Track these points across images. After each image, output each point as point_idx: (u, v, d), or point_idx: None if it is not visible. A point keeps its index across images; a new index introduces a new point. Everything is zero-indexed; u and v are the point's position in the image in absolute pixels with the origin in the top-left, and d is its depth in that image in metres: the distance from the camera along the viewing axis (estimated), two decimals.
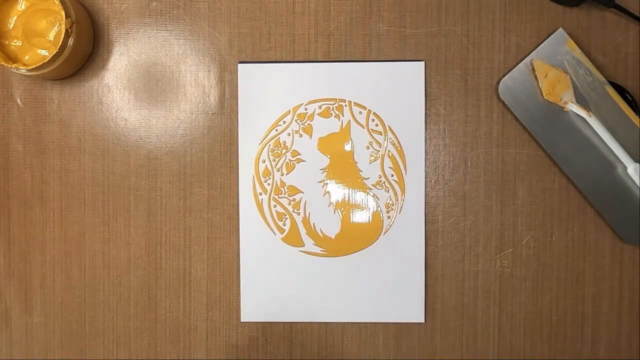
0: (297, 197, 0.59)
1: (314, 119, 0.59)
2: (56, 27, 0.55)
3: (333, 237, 0.59)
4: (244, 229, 0.60)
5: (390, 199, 0.59)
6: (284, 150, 0.59)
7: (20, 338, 0.61)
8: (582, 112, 0.57)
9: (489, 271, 0.60)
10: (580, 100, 0.57)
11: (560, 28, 0.58)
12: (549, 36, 0.58)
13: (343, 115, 0.59)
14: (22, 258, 0.61)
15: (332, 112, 0.59)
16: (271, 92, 0.59)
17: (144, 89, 0.60)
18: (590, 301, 0.59)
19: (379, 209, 0.59)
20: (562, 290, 0.60)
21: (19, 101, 0.60)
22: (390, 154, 0.59)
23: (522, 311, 0.60)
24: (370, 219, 0.59)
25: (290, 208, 0.59)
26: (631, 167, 0.57)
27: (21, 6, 0.56)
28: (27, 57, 0.56)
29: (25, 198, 0.60)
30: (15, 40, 0.56)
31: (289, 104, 0.59)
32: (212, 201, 0.60)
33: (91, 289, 0.61)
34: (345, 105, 0.59)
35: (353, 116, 0.59)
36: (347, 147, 0.59)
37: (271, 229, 0.60)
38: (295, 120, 0.59)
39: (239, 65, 0.59)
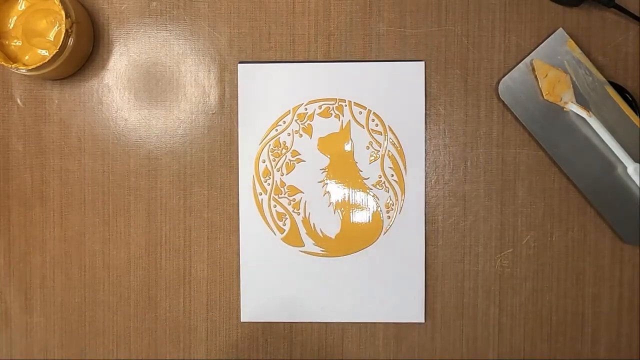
0: (297, 197, 0.59)
1: (314, 119, 0.59)
2: (56, 27, 0.55)
3: (333, 237, 0.59)
4: (244, 229, 0.60)
5: (390, 199, 0.59)
6: (284, 150, 0.59)
7: (20, 338, 0.61)
8: (582, 112, 0.57)
9: (489, 271, 0.60)
10: (580, 100, 0.57)
11: (560, 28, 0.58)
12: (549, 36, 0.58)
13: (343, 115, 0.59)
14: (22, 258, 0.61)
15: (332, 112, 0.59)
16: (271, 92, 0.59)
17: (144, 89, 0.60)
18: (590, 301, 0.59)
19: (379, 209, 0.59)
20: (562, 290, 0.60)
21: (19, 101, 0.60)
22: (390, 154, 0.59)
23: (522, 311, 0.60)
24: (370, 219, 0.59)
25: (290, 208, 0.59)
26: (631, 167, 0.57)
27: (21, 6, 0.56)
28: (27, 57, 0.56)
29: (25, 198, 0.60)
30: (15, 40, 0.56)
31: (289, 104, 0.59)
32: (212, 201, 0.60)
33: (91, 289, 0.61)
34: (345, 105, 0.59)
35: (353, 116, 0.59)
36: (347, 147, 0.59)
37: (271, 229, 0.60)
38: (295, 120, 0.59)
39: (239, 65, 0.59)
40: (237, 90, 0.59)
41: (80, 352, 0.61)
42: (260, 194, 0.59)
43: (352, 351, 0.60)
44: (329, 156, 0.59)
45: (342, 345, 0.60)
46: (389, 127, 0.59)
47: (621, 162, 0.57)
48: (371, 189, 0.59)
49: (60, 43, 0.53)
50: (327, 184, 0.59)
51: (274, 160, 0.59)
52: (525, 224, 0.59)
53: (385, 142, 0.59)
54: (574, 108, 0.57)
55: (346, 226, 0.59)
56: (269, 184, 0.59)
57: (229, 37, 0.59)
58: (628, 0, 0.58)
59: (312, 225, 0.59)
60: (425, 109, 0.59)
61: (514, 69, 0.58)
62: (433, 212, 0.59)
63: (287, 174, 0.59)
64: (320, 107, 0.59)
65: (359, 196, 0.59)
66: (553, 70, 0.57)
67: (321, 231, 0.59)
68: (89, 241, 0.60)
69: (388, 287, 0.59)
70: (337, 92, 0.59)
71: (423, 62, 0.59)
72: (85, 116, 0.60)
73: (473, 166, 0.59)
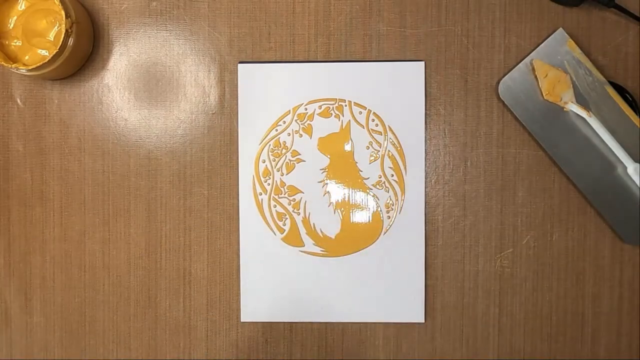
0: (297, 197, 0.59)
1: (314, 119, 0.59)
2: (56, 27, 0.55)
3: (333, 237, 0.59)
4: (244, 229, 0.60)
5: (390, 199, 0.59)
6: (284, 150, 0.59)
7: (20, 338, 0.61)
8: (582, 112, 0.57)
9: (489, 271, 0.60)
10: (580, 100, 0.57)
11: (560, 28, 0.58)
12: (549, 36, 0.58)
13: (343, 115, 0.59)
14: (22, 258, 0.61)
15: (332, 112, 0.59)
16: (271, 92, 0.59)
17: (144, 89, 0.60)
18: (590, 301, 0.59)
19: (379, 209, 0.59)
20: (562, 290, 0.60)
21: (19, 101, 0.60)
22: (390, 154, 0.59)
23: (522, 311, 0.60)
24: (370, 219, 0.59)
25: (290, 208, 0.59)
26: (631, 167, 0.57)
27: (21, 6, 0.56)
28: (27, 57, 0.56)
29: (25, 198, 0.60)
30: (15, 40, 0.56)
31: (289, 104, 0.59)
32: (212, 201, 0.60)
33: (91, 289, 0.61)
34: (345, 105, 0.59)
35: (353, 116, 0.59)
36: (347, 147, 0.59)
37: (271, 229, 0.60)
38: (295, 120, 0.59)
39: (239, 65, 0.59)
40: (237, 90, 0.59)
41: (80, 352, 0.61)
42: (260, 194, 0.59)
43: (352, 351, 0.60)
44: (329, 156, 0.59)
45: (342, 345, 0.60)
46: (389, 127, 0.59)
47: (621, 162, 0.57)
48: (371, 189, 0.59)
49: (60, 43, 0.53)
50: (327, 184, 0.59)
51: (274, 160, 0.59)
52: (525, 224, 0.59)
53: (385, 142, 0.59)
54: (574, 108, 0.57)
55: (346, 226, 0.59)
56: (269, 184, 0.59)
57: (229, 37, 0.59)
58: (628, 0, 0.58)
59: (312, 225, 0.59)
60: (425, 109, 0.59)
61: (514, 69, 0.58)
62: (433, 212, 0.59)
63: (287, 174, 0.59)
64: (320, 107, 0.59)
65: (359, 196, 0.59)
66: (553, 70, 0.57)
67: (321, 231, 0.59)
68: (89, 241, 0.60)
69: (388, 287, 0.59)
70: (337, 92, 0.59)
71: (423, 62, 0.59)
72: (85, 116, 0.60)
73: (473, 166, 0.59)
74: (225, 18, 0.59)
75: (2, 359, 0.61)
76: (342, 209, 0.59)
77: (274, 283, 0.60)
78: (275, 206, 0.59)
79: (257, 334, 0.60)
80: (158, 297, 0.60)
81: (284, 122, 0.59)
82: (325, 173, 0.59)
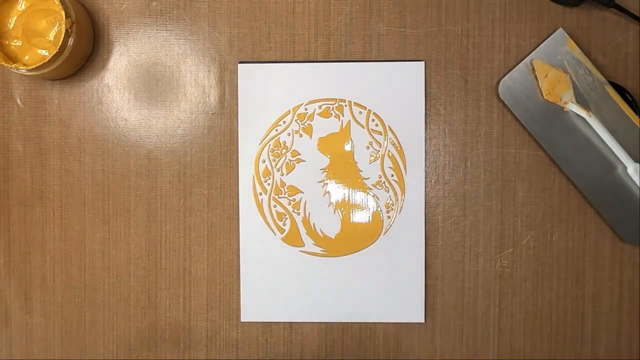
0: (297, 197, 0.59)
1: (314, 119, 0.59)
2: (56, 27, 0.55)
3: (333, 237, 0.59)
4: (244, 229, 0.60)
5: (390, 199, 0.59)
6: (284, 150, 0.59)
7: (20, 338, 0.61)
8: (582, 112, 0.57)
9: (489, 271, 0.60)
10: (580, 100, 0.57)
11: (560, 28, 0.58)
12: (549, 36, 0.58)
13: (343, 115, 0.59)
14: (22, 258, 0.61)
15: (332, 112, 0.59)
16: (271, 92, 0.59)
17: (144, 89, 0.60)
18: (590, 301, 0.59)
19: (379, 209, 0.59)
20: (562, 290, 0.60)
21: (19, 101, 0.60)
22: (390, 154, 0.59)
23: (522, 311, 0.60)
24: (370, 219, 0.59)
25: (290, 208, 0.59)
26: (631, 167, 0.57)
27: (21, 6, 0.56)
28: (27, 57, 0.56)
29: (25, 198, 0.60)
30: (15, 40, 0.56)
31: (289, 104, 0.59)
32: (212, 201, 0.60)
33: (91, 289, 0.61)
34: (345, 105, 0.59)
35: (353, 116, 0.59)
36: (347, 147, 0.59)
37: (271, 229, 0.60)
38: (295, 120, 0.59)
39: (239, 65, 0.59)
40: (237, 90, 0.59)
41: (80, 352, 0.61)
42: (260, 194, 0.59)
43: (352, 351, 0.60)
44: (329, 156, 0.59)
45: (342, 345, 0.60)
46: (389, 127, 0.59)
47: (621, 162, 0.57)
48: (371, 189, 0.59)
49: (60, 43, 0.53)
50: (327, 184, 0.59)
51: (274, 160, 0.59)
52: (525, 224, 0.59)
53: (385, 142, 0.59)
54: (574, 108, 0.57)
55: (346, 226, 0.59)
56: (269, 184, 0.59)
57: (229, 37, 0.59)
58: (628, 0, 0.58)
59: (312, 225, 0.59)
60: (425, 109, 0.59)
61: (514, 69, 0.58)
62: (433, 212, 0.59)
63: (287, 174, 0.59)
64: (320, 107, 0.59)
65: (359, 196, 0.59)
66: (553, 70, 0.57)
67: (321, 231, 0.59)
68: (89, 241, 0.60)
69: (388, 287, 0.59)
70: (337, 92, 0.59)
71: (423, 62, 0.59)
72: (85, 116, 0.60)
73: (473, 166, 0.59)
74: (225, 18, 0.59)
75: (2, 359, 0.61)
76: (342, 209, 0.59)
77: (274, 283, 0.60)
78: (275, 206, 0.59)
79: (257, 334, 0.60)
80: (158, 297, 0.60)
81: (284, 122, 0.59)
82: (325, 173, 0.59)
